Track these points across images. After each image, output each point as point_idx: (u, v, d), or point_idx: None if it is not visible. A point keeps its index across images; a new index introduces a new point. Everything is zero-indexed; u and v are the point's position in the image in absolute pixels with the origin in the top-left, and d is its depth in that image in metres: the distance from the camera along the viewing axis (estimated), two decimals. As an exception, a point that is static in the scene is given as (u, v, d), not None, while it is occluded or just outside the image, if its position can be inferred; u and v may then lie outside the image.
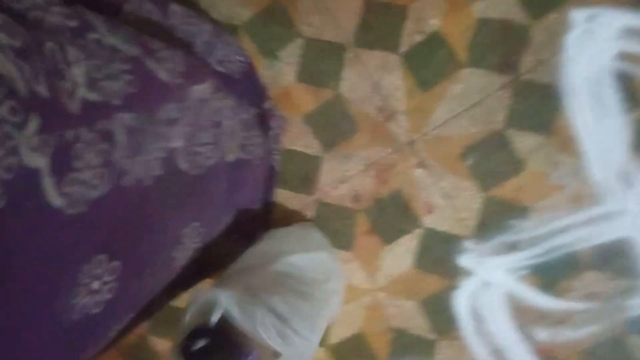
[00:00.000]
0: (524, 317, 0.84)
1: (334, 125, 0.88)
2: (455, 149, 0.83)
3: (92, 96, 0.37)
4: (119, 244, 0.47)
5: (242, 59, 0.84)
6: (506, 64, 0.79)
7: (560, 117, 0.78)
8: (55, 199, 0.35)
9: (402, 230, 0.88)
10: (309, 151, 0.90)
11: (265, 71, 0.88)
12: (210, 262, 0.76)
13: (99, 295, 0.45)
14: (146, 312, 0.58)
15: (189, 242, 0.62)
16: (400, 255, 0.89)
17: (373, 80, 0.85)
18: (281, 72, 0.89)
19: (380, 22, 0.83)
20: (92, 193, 0.39)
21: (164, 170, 0.53)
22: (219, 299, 0.61)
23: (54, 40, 0.34)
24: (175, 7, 0.68)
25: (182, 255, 0.61)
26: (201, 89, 0.59)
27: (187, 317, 0.63)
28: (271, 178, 0.89)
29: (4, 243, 0.32)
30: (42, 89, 0.32)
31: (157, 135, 0.50)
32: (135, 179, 0.47)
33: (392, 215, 0.88)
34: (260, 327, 0.61)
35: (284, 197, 0.92)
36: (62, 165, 0.34)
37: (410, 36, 0.82)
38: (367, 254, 0.90)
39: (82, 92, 0.36)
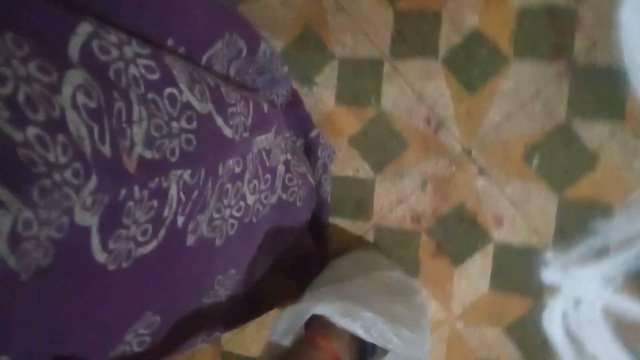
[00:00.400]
0: (630, 333, 0.77)
1: (381, 143, 0.89)
2: (517, 150, 0.81)
3: (148, 154, 0.39)
4: (161, 299, 0.48)
5: (288, 88, 0.88)
6: (557, 51, 0.77)
7: (629, 98, 0.74)
8: (99, 255, 0.36)
9: (471, 249, 0.86)
10: (359, 175, 0.92)
11: (305, 99, 0.93)
12: (258, 304, 0.78)
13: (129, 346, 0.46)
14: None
15: (222, 289, 0.63)
16: (474, 277, 0.86)
17: (415, 91, 0.86)
18: (320, 98, 0.93)
19: (414, 30, 0.85)
20: (138, 250, 0.40)
21: (236, 228, 0.54)
22: (312, 309, 0.61)
23: (124, 100, 0.36)
24: (264, 46, 0.70)
25: (212, 301, 0.62)
26: (264, 138, 0.61)
27: (275, 335, 0.65)
28: (322, 211, 0.91)
29: (51, 302, 0.33)
30: (105, 149, 0.34)
31: (221, 192, 0.51)
32: (197, 237, 0.48)
33: (458, 233, 0.86)
34: (373, 329, 0.61)
35: (340, 226, 0.94)
36: (111, 222, 0.36)
37: (448, 39, 0.83)
38: (437, 279, 0.88)
39: (139, 150, 0.38)
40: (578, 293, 0.78)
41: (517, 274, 0.82)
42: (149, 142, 0.39)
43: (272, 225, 0.73)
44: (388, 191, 0.89)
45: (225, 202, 0.54)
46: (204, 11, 0.61)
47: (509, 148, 0.80)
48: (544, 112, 0.78)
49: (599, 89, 0.75)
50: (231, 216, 0.55)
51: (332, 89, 0.90)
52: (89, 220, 0.34)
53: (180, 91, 0.43)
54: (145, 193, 0.39)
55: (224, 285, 0.63)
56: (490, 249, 0.83)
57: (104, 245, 0.36)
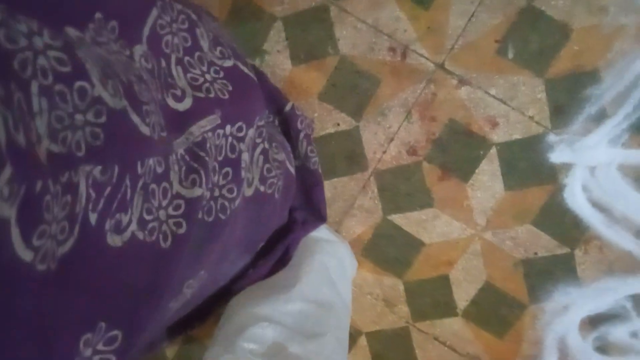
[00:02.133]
0: (651, 181, 0.79)
1: (353, 89, 0.85)
2: (489, 48, 0.79)
3: (54, 147, 0.37)
4: (117, 310, 0.45)
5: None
6: None
7: (582, -44, 0.73)
8: (23, 252, 0.34)
9: (475, 159, 0.84)
10: (341, 128, 0.88)
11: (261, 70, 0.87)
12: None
13: None
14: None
15: (190, 290, 0.60)
16: (487, 184, 0.85)
17: (370, 25, 0.82)
18: (276, 64, 0.87)
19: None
20: (59, 249, 0.39)
21: (185, 227, 0.52)
22: None
23: (22, 91, 0.35)
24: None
25: (180, 304, 0.59)
26: (198, 130, 0.58)
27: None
28: (316, 183, 0.87)
29: None
30: (20, 138, 0.33)
31: (147, 192, 0.50)
32: (125, 237, 0.46)
33: (458, 148, 0.84)
34: None
35: (340, 185, 0.90)
36: (30, 216, 0.34)
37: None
38: (452, 201, 0.87)
39: (46, 144, 0.36)
40: (591, 162, 0.78)
41: (527, 166, 0.82)
42: (53, 134, 0.38)
43: (247, 220, 0.68)
44: (375, 134, 0.86)
45: (155, 202, 0.51)
46: None
47: (481, 49, 0.78)
48: (503, 1, 0.76)
49: (548, -41, 0.73)
50: (169, 216, 0.52)
51: (285, 51, 0.85)
52: (7, 211, 0.32)
53: (92, 85, 0.41)
54: (59, 188, 0.38)
55: (193, 287, 0.61)
56: (493, 152, 0.82)
57: (26, 241, 0.34)
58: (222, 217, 0.62)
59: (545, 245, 0.84)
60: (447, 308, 0.90)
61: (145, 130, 0.49)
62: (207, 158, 0.58)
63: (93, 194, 0.43)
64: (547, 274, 0.85)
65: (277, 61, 0.86)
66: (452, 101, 0.81)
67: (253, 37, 0.86)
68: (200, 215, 0.59)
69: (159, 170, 0.52)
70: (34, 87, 0.37)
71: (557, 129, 0.79)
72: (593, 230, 0.81)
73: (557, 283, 0.85)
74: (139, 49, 0.54)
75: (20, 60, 0.36)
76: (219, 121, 0.62)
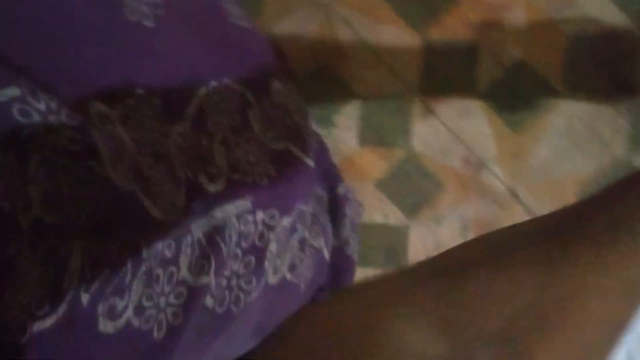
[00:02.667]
0: None
1: (413, 186, 0.80)
2: (570, 190, 0.75)
3: (46, 218, 0.37)
4: None
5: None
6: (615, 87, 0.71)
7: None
8: None
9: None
10: (390, 221, 0.83)
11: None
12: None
13: None
14: None
15: None
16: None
17: (451, 130, 0.77)
18: (341, 140, 0.82)
19: (447, 64, 0.76)
20: (35, 325, 0.36)
21: (182, 317, 0.49)
22: None
23: (20, 162, 0.36)
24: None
25: None
26: (221, 211, 0.55)
27: None
28: (347, 269, 0.82)
29: None
30: (5, 205, 0.34)
31: (150, 278, 0.47)
32: (119, 325, 0.43)
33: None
34: None
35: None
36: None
37: (488, 72, 0.75)
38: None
39: (35, 211, 0.36)
40: None
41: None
42: (49, 206, 0.37)
43: (264, 308, 0.65)
44: (423, 237, 0.81)
45: (157, 289, 0.48)
46: (190, 54, 0.56)
47: (560, 187, 0.73)
48: (600, 147, 0.71)
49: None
50: (169, 304, 0.49)
51: (354, 130, 0.80)
52: None
53: (102, 166, 0.41)
54: (36, 256, 0.36)
55: None
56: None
57: None
58: (234, 309, 0.58)
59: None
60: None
61: (156, 213, 0.46)
62: (222, 245, 0.55)
63: (88, 273, 0.41)
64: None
65: (344, 137, 0.81)
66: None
67: (325, 106, 0.81)
68: (209, 305, 0.55)
69: (168, 254, 0.50)
70: (36, 157, 0.37)
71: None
72: None
73: None
74: (179, 127, 0.53)
75: (28, 133, 0.37)
76: (249, 206, 0.59)
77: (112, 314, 0.44)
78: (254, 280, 0.60)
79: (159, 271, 0.49)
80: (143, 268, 0.46)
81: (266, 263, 0.60)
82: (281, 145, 0.66)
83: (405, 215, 0.81)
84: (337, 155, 0.80)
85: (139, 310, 0.47)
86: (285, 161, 0.66)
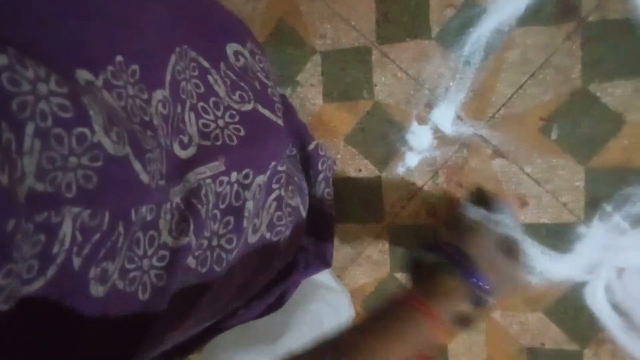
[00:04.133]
0: (680, 298, 0.74)
1: (382, 137, 0.82)
2: (533, 124, 0.74)
3: (40, 186, 0.38)
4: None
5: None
6: (564, 11, 0.70)
7: (651, 49, 0.68)
8: None
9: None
10: (363, 174, 0.84)
11: (290, 101, 0.84)
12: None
13: None
14: None
15: (172, 341, 0.58)
16: (504, 264, 0.80)
17: (411, 76, 0.78)
18: (306, 97, 0.84)
19: (400, 10, 0.77)
20: (24, 288, 0.38)
21: (165, 279, 0.50)
22: None
23: (14, 131, 0.36)
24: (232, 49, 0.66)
25: (159, 352, 0.58)
26: (194, 175, 0.55)
27: None
28: (327, 226, 0.83)
29: None
30: (3, 178, 0.33)
31: (132, 241, 0.48)
32: (107, 288, 0.45)
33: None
34: None
35: (352, 231, 0.87)
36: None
37: (440, 14, 0.75)
38: (465, 272, 0.82)
39: (30, 182, 0.37)
40: (619, 263, 0.73)
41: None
42: (40, 174, 0.38)
43: (246, 267, 0.66)
44: (397, 187, 0.82)
45: (139, 252, 0.50)
46: (157, 22, 0.58)
47: (524, 122, 0.74)
48: (557, 78, 0.71)
49: (614, 46, 0.68)
50: (152, 267, 0.51)
51: (318, 86, 0.82)
52: None
53: (93, 131, 0.42)
54: (30, 226, 0.38)
55: (175, 338, 0.59)
56: (517, 232, 0.77)
57: None
58: (217, 268, 0.59)
59: (554, 337, 0.80)
60: (440, 379, 0.86)
61: (144, 178, 0.48)
62: (199, 206, 0.56)
63: (80, 238, 0.43)
64: (550, 367, 0.81)
65: (309, 94, 0.83)
66: (484, 171, 0.77)
67: (288, 66, 0.82)
68: (192, 265, 0.56)
69: (149, 217, 0.51)
70: (29, 128, 0.37)
71: (589, 221, 0.74)
72: (608, 333, 0.77)
73: (559, 379, 0.80)
74: (159, 94, 0.54)
75: (19, 102, 0.37)
76: (222, 168, 0.60)
77: (103, 278, 0.46)
78: (235, 239, 0.61)
79: (140, 234, 0.50)
80: (131, 232, 0.48)
81: (245, 222, 0.62)
82: (248, 106, 0.67)
83: (377, 167, 0.83)
84: (305, 114, 0.82)
85: (123, 272, 0.48)
86: (255, 121, 0.67)
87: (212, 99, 0.62)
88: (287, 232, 0.71)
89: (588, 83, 0.71)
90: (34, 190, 0.38)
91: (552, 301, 0.79)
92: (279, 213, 0.69)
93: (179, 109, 0.57)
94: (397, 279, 0.85)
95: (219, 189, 0.58)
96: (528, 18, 0.71)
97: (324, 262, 0.83)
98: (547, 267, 0.78)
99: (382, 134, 0.80)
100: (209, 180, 0.57)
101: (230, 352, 0.71)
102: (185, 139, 0.56)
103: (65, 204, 0.40)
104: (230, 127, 0.63)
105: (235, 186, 0.61)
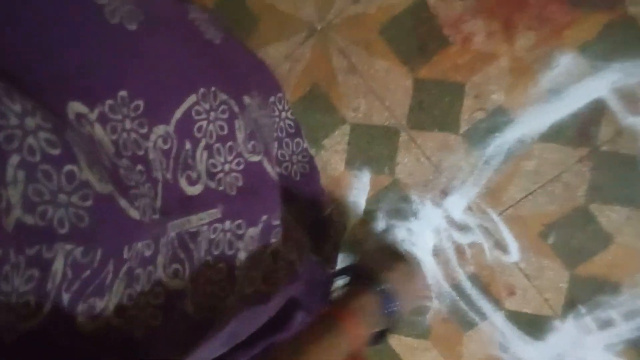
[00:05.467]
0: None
1: (396, 211, 0.88)
2: (535, 227, 0.83)
3: (29, 219, 0.38)
4: None
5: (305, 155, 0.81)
6: (582, 136, 0.78)
7: (650, 189, 0.78)
8: None
9: (482, 314, 0.89)
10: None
11: (311, 163, 0.88)
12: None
13: None
14: None
15: None
16: (483, 341, 0.90)
17: (433, 163, 0.84)
18: (329, 162, 0.88)
19: (434, 102, 0.81)
20: (22, 325, 0.39)
21: (160, 319, 0.51)
22: None
23: None
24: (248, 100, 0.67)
25: None
26: (188, 220, 0.57)
27: None
28: (323, 285, 0.88)
29: None
30: None
31: (131, 277, 0.49)
32: (98, 324, 0.46)
33: (471, 299, 0.89)
34: None
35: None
36: None
37: (471, 114, 0.81)
38: (446, 342, 0.92)
39: (17, 213, 0.37)
40: (581, 358, 0.84)
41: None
42: (29, 206, 0.38)
43: (238, 320, 0.69)
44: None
45: (138, 288, 0.51)
46: (178, 61, 0.58)
47: (527, 225, 0.82)
48: (564, 193, 0.79)
49: (619, 176, 0.77)
50: (148, 305, 0.52)
51: (342, 154, 0.86)
52: None
53: (80, 169, 0.42)
54: (22, 259, 0.38)
55: None
56: (500, 316, 0.87)
57: None
58: (210, 316, 0.61)
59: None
60: None
61: (134, 214, 0.48)
62: (194, 250, 0.57)
63: (70, 274, 0.43)
64: None
65: (332, 160, 0.87)
66: (481, 258, 0.85)
67: (316, 129, 0.86)
68: (191, 311, 0.57)
69: (147, 253, 0.52)
70: (14, 159, 0.37)
71: (564, 318, 0.84)
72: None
73: None
74: (161, 129, 0.54)
75: (6, 135, 0.37)
76: (219, 216, 0.61)
77: (91, 314, 0.46)
78: (227, 287, 0.64)
79: (139, 271, 0.51)
80: (124, 268, 0.48)
81: (236, 271, 0.64)
82: (257, 157, 0.69)
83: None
84: (325, 177, 0.86)
85: (121, 310, 0.49)
86: (255, 173, 0.69)
87: (229, 144, 0.63)
88: (280, 285, 0.74)
89: (589, 203, 0.79)
90: (22, 222, 0.38)
91: (517, 379, 0.89)
92: (274, 266, 0.71)
93: (187, 146, 0.58)
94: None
95: (212, 236, 0.60)
96: (550, 135, 0.78)
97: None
98: (521, 350, 0.88)
99: (396, 210, 0.86)
100: (205, 227, 0.59)
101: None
102: (194, 175, 0.57)
103: (58, 240, 0.41)
104: (232, 174, 0.65)
105: (229, 235, 0.62)
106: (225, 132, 0.63)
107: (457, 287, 0.88)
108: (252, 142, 0.68)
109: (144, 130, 0.52)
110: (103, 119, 0.47)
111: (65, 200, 0.41)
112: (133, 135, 0.51)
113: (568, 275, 0.83)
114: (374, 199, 0.87)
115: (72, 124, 0.44)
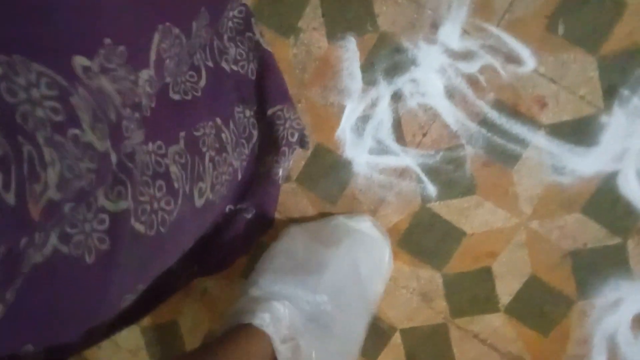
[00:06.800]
0: None
1: (394, 67, 0.84)
2: (539, 23, 0.77)
3: (57, 196, 0.38)
4: (42, 332, 0.47)
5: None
6: None
7: None
8: None
9: (522, 141, 0.82)
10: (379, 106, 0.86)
11: (295, 49, 0.86)
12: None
13: None
14: None
15: (126, 303, 0.60)
16: (535, 171, 0.82)
17: (413, 2, 0.81)
18: (311, 42, 0.86)
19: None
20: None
21: (108, 242, 0.52)
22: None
23: (32, 144, 0.36)
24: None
25: (113, 314, 0.61)
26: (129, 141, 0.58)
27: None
28: (271, 199, 0.87)
29: None
30: (9, 197, 0.33)
31: (89, 203, 0.50)
32: (41, 253, 0.45)
33: (504, 129, 0.82)
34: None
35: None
36: (9, 274, 0.36)
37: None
38: (496, 188, 0.84)
39: (51, 194, 0.37)
40: (645, 146, 0.76)
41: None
42: (62, 184, 0.39)
43: (194, 230, 0.70)
44: (415, 115, 0.83)
45: (80, 216, 0.51)
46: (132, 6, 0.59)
47: (529, 24, 0.76)
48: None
49: None
50: (93, 230, 0.52)
51: (321, 29, 0.84)
52: None
53: (83, 131, 0.43)
54: (43, 236, 0.39)
55: (130, 300, 0.62)
56: (542, 134, 0.79)
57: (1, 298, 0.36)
58: (163, 230, 0.61)
59: (595, 235, 0.81)
60: (488, 303, 0.86)
61: (114, 158, 0.50)
62: (134, 170, 0.57)
63: (68, 212, 0.44)
64: (597, 266, 0.82)
65: (313, 39, 0.84)
66: (498, 79, 0.79)
67: (286, 15, 0.84)
68: (139, 229, 0.58)
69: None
70: (40, 139, 0.38)
71: (610, 109, 0.77)
72: (646, 218, 0.79)
73: (608, 276, 0.82)
74: (145, 74, 0.56)
75: (21, 113, 0.37)
76: (142, 138, 0.61)
77: (43, 244, 0.45)
78: (172, 200, 0.64)
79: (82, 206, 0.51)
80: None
81: (175, 184, 0.64)
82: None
83: (392, 100, 0.84)
84: (313, 60, 0.84)
85: (66, 238, 0.49)
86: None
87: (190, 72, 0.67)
88: (224, 190, 0.74)
89: (584, -27, 0.74)
90: (52, 201, 0.38)
91: (587, 198, 0.80)
92: (215, 173, 0.71)
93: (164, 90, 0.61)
94: (430, 209, 0.86)
95: (142, 157, 0.61)
96: None
97: (266, 223, 0.88)
98: (577, 164, 0.79)
99: (393, 65, 0.82)
100: (137, 147, 0.59)
101: (270, 280, 0.72)
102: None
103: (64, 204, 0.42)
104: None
105: (153, 156, 0.63)
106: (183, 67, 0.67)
107: (485, 122, 0.82)
108: (190, 72, 0.71)
109: (133, 77, 0.54)
110: (104, 70, 0.49)
111: (85, 169, 0.43)
112: (127, 83, 0.52)
113: (594, 60, 0.77)
114: (368, 63, 0.84)
115: (83, 79, 0.46)
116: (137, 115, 0.53)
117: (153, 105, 0.61)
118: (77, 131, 0.43)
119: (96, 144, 0.45)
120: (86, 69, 0.46)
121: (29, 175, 0.35)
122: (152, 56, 0.57)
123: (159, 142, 0.64)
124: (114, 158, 0.48)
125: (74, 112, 0.43)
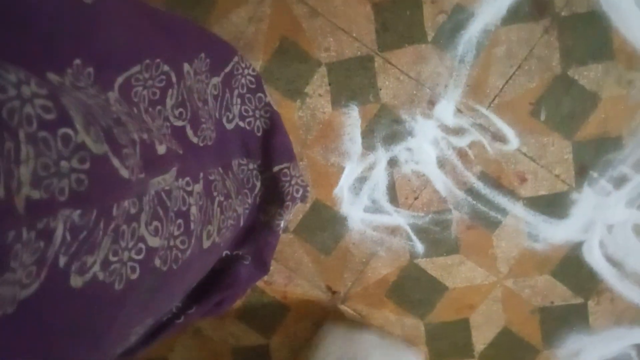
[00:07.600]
0: (662, 242, 0.89)
1: (392, 136, 0.92)
2: (524, 108, 0.87)
3: (35, 194, 0.39)
4: (56, 351, 0.47)
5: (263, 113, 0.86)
6: (538, 9, 0.84)
7: (613, 37, 0.83)
8: None
9: (502, 210, 0.92)
10: (373, 166, 0.93)
11: (301, 112, 0.92)
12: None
13: None
14: None
15: (135, 337, 0.62)
16: (512, 236, 0.93)
17: (412, 77, 0.89)
18: (316, 107, 0.92)
19: (396, 19, 0.87)
20: (22, 292, 0.40)
21: (138, 272, 0.54)
22: None
23: (13, 140, 0.36)
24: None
25: (123, 348, 0.62)
26: (161, 180, 0.61)
27: None
28: (270, 245, 0.91)
29: None
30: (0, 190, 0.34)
31: (117, 234, 0.52)
32: (87, 279, 0.48)
33: (487, 199, 0.92)
34: None
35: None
36: None
37: (433, 20, 0.86)
38: (478, 249, 0.94)
39: (26, 191, 0.38)
40: (608, 220, 0.87)
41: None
42: (36, 181, 0.39)
43: (198, 269, 0.72)
44: (409, 180, 0.92)
45: (122, 244, 0.53)
46: (128, 33, 0.61)
47: (516, 109, 0.86)
48: (540, 67, 0.84)
49: (584, 35, 0.82)
50: (130, 259, 0.55)
51: (326, 96, 0.90)
52: None
53: (76, 132, 0.43)
54: (33, 234, 0.39)
55: (138, 334, 0.63)
56: (520, 205, 0.90)
57: None
58: (174, 267, 0.64)
59: (561, 295, 0.92)
60: (465, 350, 0.96)
61: (124, 173, 0.51)
62: (170, 209, 0.60)
63: (68, 238, 0.45)
64: (561, 321, 0.93)
65: (318, 104, 0.91)
66: (485, 154, 0.89)
67: (296, 79, 0.90)
68: (157, 264, 0.61)
69: (133, 211, 0.54)
70: (22, 135, 0.38)
71: (580, 188, 0.88)
72: (606, 283, 0.90)
73: (570, 330, 0.93)
74: (112, 95, 0.57)
75: (8, 109, 0.38)
76: (175, 174, 0.64)
77: (82, 270, 0.48)
78: (187, 240, 0.67)
79: (124, 227, 0.54)
80: (112, 226, 0.51)
81: (192, 225, 0.68)
82: (181, 123, 0.73)
83: (389, 164, 0.92)
84: (317, 123, 0.90)
85: (105, 264, 0.51)
86: (179, 137, 0.73)
87: (158, 107, 0.67)
88: (228, 234, 0.78)
89: (566, 69, 0.84)
90: (30, 198, 0.39)
91: (556, 263, 0.91)
92: (223, 217, 0.75)
93: (135, 110, 0.61)
94: (417, 264, 0.95)
95: (173, 193, 0.64)
96: (510, 17, 0.84)
97: (263, 269, 0.91)
98: (549, 233, 0.90)
99: (391, 134, 0.90)
100: (174, 184, 0.62)
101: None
102: (157, 136, 0.61)
103: (59, 207, 0.42)
104: (168, 137, 0.67)
105: (181, 192, 0.66)
106: (157, 97, 0.66)
107: (470, 191, 0.91)
108: (180, 109, 0.72)
109: (104, 96, 0.55)
110: (75, 87, 0.50)
111: (67, 168, 0.42)
112: (100, 101, 0.53)
113: (569, 144, 0.87)
114: (369, 130, 0.91)
115: (64, 88, 0.47)
116: (121, 129, 0.54)
117: (175, 143, 0.62)
118: (69, 130, 0.43)
119: (90, 145, 0.45)
120: (61, 84, 0.48)
121: (5, 171, 0.36)
122: (119, 80, 0.58)
123: (187, 179, 0.66)
124: (116, 163, 0.49)
125: (65, 111, 0.43)
